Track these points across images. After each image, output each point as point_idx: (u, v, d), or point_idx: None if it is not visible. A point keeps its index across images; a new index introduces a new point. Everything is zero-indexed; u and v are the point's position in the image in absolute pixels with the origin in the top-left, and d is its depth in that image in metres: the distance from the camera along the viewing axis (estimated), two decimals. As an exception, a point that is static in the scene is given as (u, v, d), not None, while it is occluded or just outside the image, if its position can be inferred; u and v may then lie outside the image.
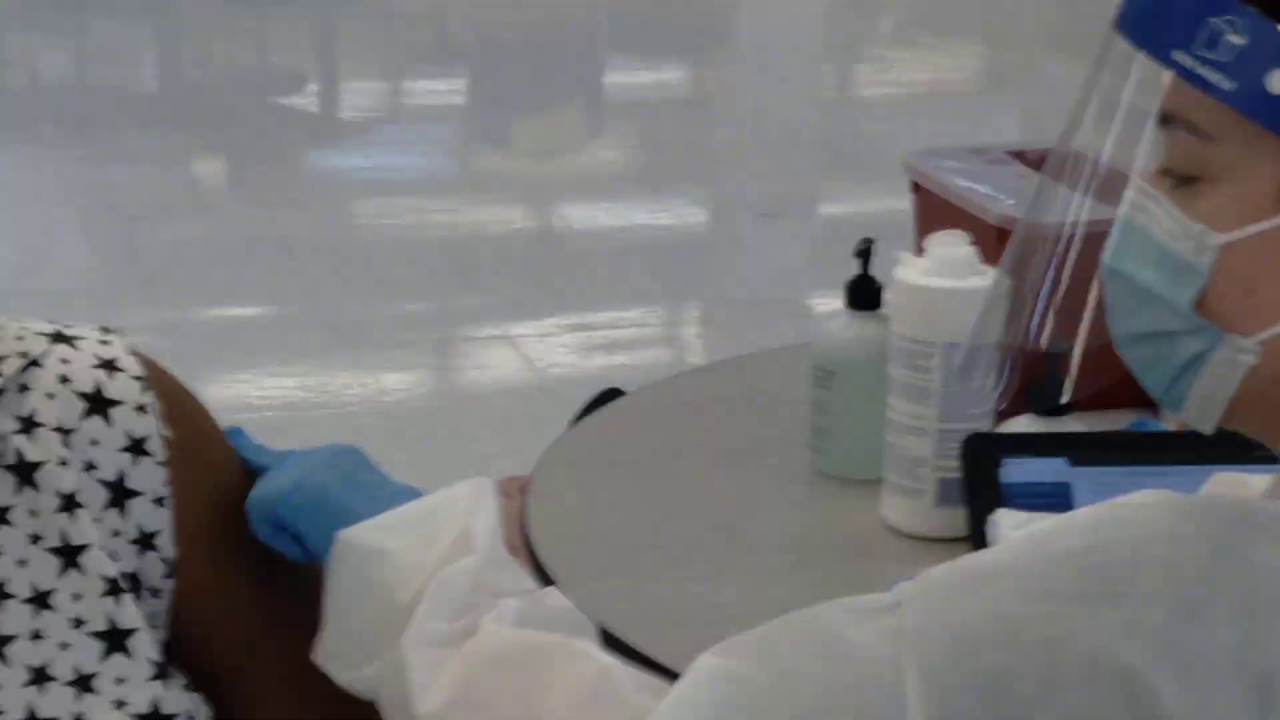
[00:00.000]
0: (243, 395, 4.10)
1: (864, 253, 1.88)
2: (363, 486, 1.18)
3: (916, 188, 2.09)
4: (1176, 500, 0.94)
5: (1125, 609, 0.89)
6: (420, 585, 1.11)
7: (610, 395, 2.17)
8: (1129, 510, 0.94)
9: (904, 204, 2.16)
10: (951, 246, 1.75)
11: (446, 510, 1.15)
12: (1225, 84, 0.96)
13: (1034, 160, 2.14)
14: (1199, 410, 1.03)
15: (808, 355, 1.93)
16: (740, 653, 0.97)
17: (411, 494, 1.19)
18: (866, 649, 0.93)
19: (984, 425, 1.73)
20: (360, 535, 1.14)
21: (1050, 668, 0.89)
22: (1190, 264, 0.99)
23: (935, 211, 2.02)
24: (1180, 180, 1.00)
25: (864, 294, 1.86)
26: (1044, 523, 0.96)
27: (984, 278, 1.69)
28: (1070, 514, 0.96)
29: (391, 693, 1.09)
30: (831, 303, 1.96)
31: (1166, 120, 1.00)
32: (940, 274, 1.74)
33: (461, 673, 1.05)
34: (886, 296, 1.83)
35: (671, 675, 1.02)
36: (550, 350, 4.47)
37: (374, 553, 1.13)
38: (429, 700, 1.06)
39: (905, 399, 1.74)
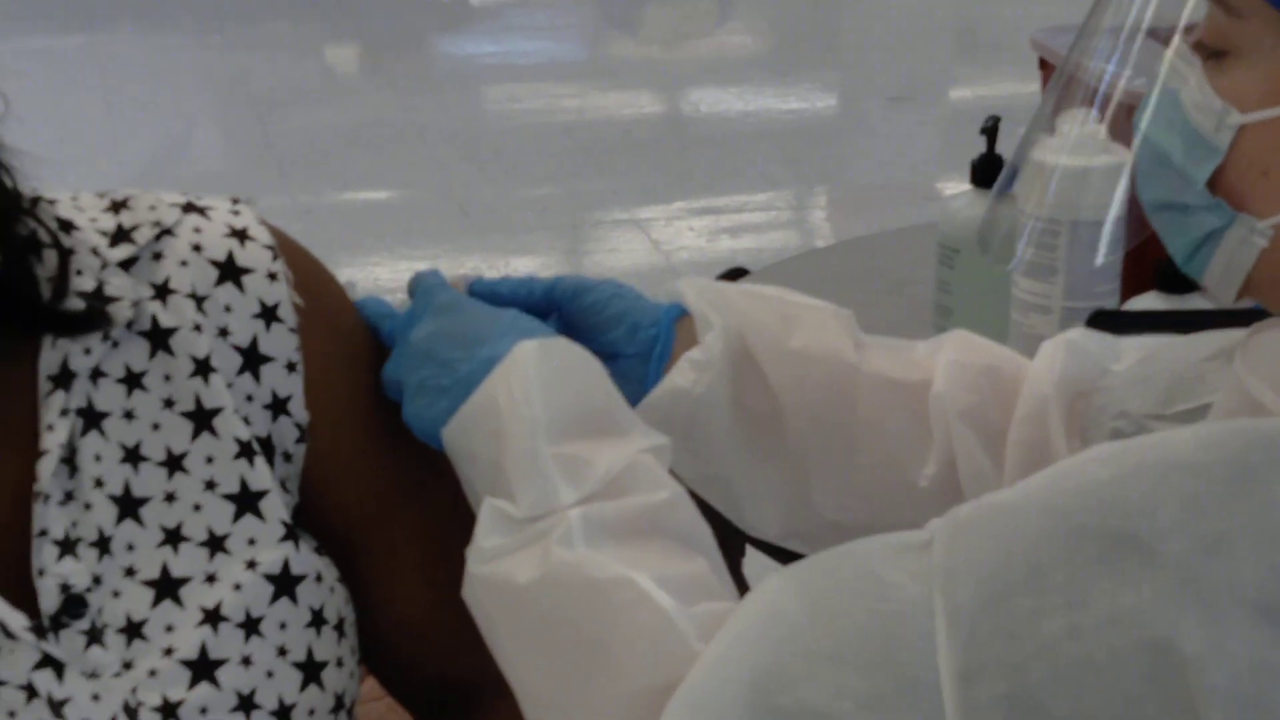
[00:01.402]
0: (375, 278, 4.14)
1: (990, 130, 1.87)
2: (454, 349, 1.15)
3: (1045, 65, 2.08)
4: (1200, 429, 0.92)
5: (1144, 546, 0.87)
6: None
7: (735, 275, 2.18)
8: (1151, 440, 0.92)
9: (1033, 88, 2.14)
10: (1080, 124, 1.74)
11: (496, 401, 1.11)
12: None
13: (1167, 36, 2.11)
14: (1218, 284, 1.04)
15: (932, 235, 1.93)
16: (788, 587, 0.97)
17: (499, 325, 1.15)
18: (900, 588, 0.92)
19: (1109, 303, 1.72)
20: (453, 437, 1.13)
21: (1072, 611, 0.87)
22: (1210, 141, 1.00)
23: (1066, 89, 2.00)
24: (1210, 54, 1.00)
25: (990, 172, 1.85)
26: (1070, 458, 0.95)
27: (1112, 155, 1.68)
28: (1095, 446, 0.94)
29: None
30: (960, 186, 1.95)
31: None
32: (1068, 152, 1.73)
33: (532, 607, 1.04)
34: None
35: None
36: (678, 234, 4.47)
37: (464, 457, 1.13)
38: (499, 642, 1.07)
39: (1031, 277, 1.73)
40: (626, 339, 1.26)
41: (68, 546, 1.09)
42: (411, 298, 1.22)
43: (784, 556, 1.58)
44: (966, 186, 1.91)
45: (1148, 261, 1.81)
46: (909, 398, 1.27)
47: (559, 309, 1.27)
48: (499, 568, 1.06)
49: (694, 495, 1.13)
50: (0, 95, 1.08)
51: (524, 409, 1.09)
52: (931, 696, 0.89)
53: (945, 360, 1.27)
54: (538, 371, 1.10)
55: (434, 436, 1.15)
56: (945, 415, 1.25)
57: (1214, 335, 1.20)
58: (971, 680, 0.89)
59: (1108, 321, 1.68)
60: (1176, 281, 1.79)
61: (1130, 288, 1.79)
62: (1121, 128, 1.19)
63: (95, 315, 1.11)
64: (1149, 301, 1.77)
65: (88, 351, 1.11)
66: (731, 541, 2.01)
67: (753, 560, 1.72)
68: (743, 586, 1.02)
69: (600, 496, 1.06)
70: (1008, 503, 0.93)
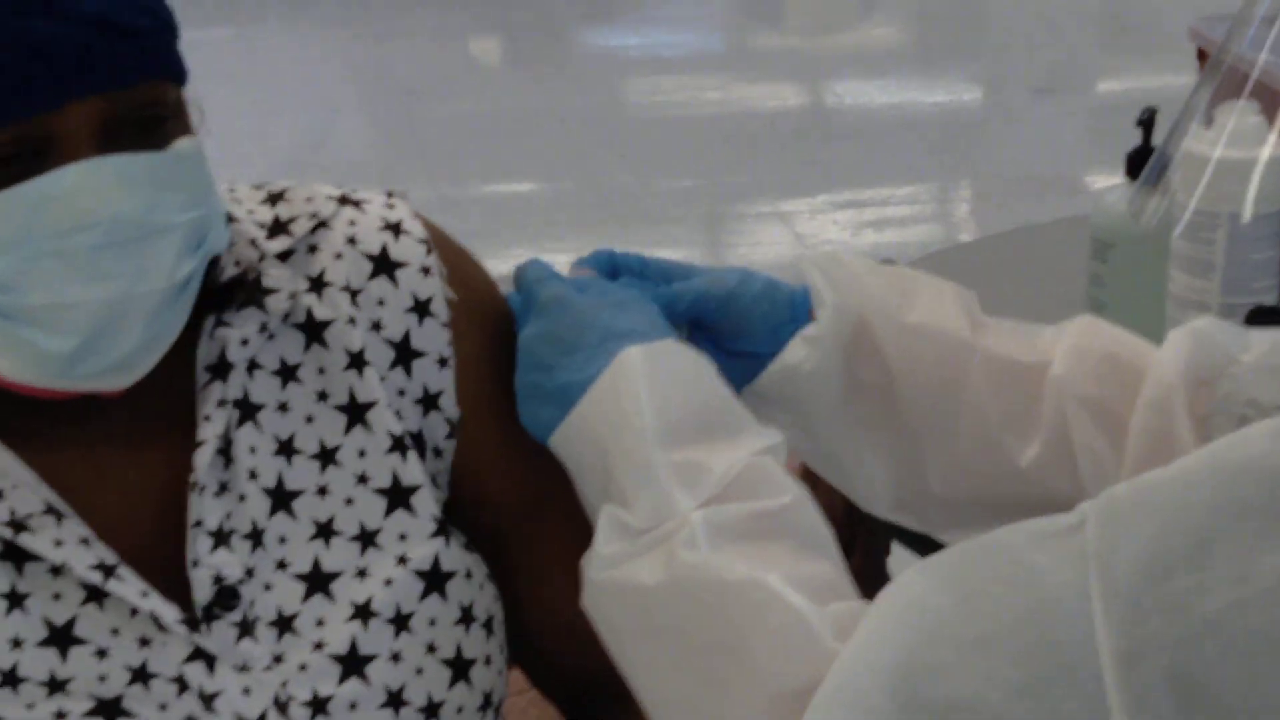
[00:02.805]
0: (517, 269, 4.15)
1: (1146, 122, 1.84)
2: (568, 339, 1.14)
3: (1204, 56, 2.04)
4: None
5: None
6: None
7: (883, 268, 2.15)
8: None
9: (1186, 79, 2.10)
10: (1240, 116, 1.70)
11: (604, 411, 1.10)
12: None
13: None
14: None
15: (1082, 229, 1.90)
16: (930, 578, 0.96)
17: (596, 331, 1.13)
18: (1050, 573, 0.90)
19: (1268, 298, 1.69)
20: (561, 445, 1.12)
21: (1239, 585, 0.86)
22: None
23: (1223, 80, 1.97)
24: None
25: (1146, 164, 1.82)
26: (1230, 435, 0.92)
27: (1273, 147, 1.65)
28: (1252, 425, 0.92)
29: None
30: (1109, 180, 1.92)
31: None
32: (1227, 144, 1.70)
33: (659, 611, 1.04)
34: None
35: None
36: (822, 226, 4.44)
37: (575, 465, 1.12)
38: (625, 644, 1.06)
39: (1187, 272, 1.70)
40: (766, 341, 1.24)
41: (221, 538, 1.10)
42: (517, 289, 1.21)
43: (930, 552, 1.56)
44: (1115, 179, 1.88)
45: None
46: (1021, 379, 1.25)
47: (700, 322, 1.24)
48: (621, 573, 1.05)
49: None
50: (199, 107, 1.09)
51: (635, 419, 1.08)
52: (1089, 681, 0.88)
53: (1067, 345, 1.25)
54: (646, 378, 1.09)
55: (544, 442, 1.14)
56: (1060, 399, 1.24)
57: None
58: (1134, 661, 0.87)
59: (1267, 318, 1.64)
60: (1339, 278, 1.75)
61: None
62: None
63: (251, 296, 1.12)
64: (1310, 298, 1.74)
65: (245, 343, 1.12)
66: (878, 538, 1.99)
67: (899, 557, 1.71)
68: (885, 583, 1.01)
69: (719, 500, 1.05)
70: (1166, 481, 0.91)
